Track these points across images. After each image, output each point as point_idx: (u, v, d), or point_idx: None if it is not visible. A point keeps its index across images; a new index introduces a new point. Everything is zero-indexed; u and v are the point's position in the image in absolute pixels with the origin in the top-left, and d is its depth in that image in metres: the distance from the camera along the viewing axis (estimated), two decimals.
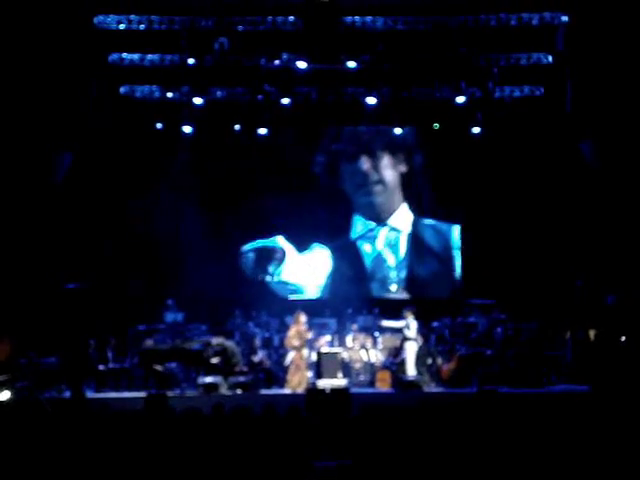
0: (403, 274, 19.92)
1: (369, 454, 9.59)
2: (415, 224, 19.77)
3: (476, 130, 21.61)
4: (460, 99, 21.12)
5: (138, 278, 21.60)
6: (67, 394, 17.12)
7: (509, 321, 19.80)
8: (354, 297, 19.93)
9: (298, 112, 21.66)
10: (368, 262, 20.02)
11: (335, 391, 14.70)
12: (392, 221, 19.88)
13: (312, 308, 20.35)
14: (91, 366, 18.45)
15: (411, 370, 18.10)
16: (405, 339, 18.43)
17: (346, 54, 20.51)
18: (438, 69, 20.75)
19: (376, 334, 19.31)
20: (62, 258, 20.33)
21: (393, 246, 20.03)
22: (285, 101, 21.43)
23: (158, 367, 18.12)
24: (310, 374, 18.20)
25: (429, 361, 18.70)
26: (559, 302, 20.26)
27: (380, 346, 19.04)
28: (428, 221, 19.95)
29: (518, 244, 21.55)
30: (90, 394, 17.50)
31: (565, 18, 19.55)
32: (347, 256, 20.08)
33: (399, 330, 18.63)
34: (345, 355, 18.70)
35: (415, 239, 19.64)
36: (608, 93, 19.50)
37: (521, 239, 21.55)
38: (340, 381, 17.91)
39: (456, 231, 20.32)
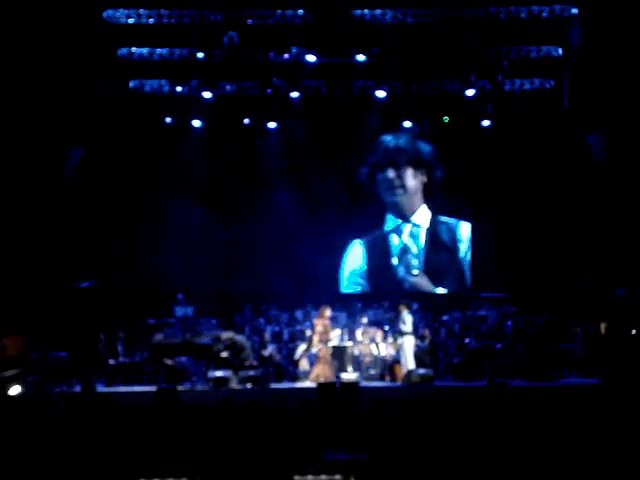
0: (422, 260, 22.43)
1: (379, 447, 9.60)
2: (432, 221, 22.46)
3: (486, 123, 21.59)
4: (470, 92, 21.10)
5: (149, 272, 21.62)
6: (78, 388, 17.16)
7: (519, 314, 19.78)
8: (384, 279, 22.45)
9: (308, 106, 21.73)
10: (396, 251, 22.54)
11: (345, 385, 14.71)
12: (414, 218, 22.45)
13: (321, 301, 20.41)
14: (102, 360, 18.47)
15: (410, 364, 18.11)
16: (401, 333, 18.46)
17: (355, 47, 20.51)
18: (448, 62, 20.73)
19: (386, 328, 19.30)
20: (72, 252, 20.36)
21: (415, 238, 22.47)
22: (294, 95, 21.45)
23: (168, 361, 18.15)
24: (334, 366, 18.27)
25: (440, 355, 18.74)
26: (569, 295, 20.22)
27: (390, 340, 19.01)
28: (442, 218, 22.49)
29: (528, 237, 21.53)
30: (101, 388, 17.54)
31: (575, 10, 19.50)
32: (379, 246, 22.65)
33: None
34: (355, 349, 18.70)
35: (431, 233, 22.43)
36: (618, 87, 19.46)
37: (531, 232, 21.52)
38: (351, 375, 17.96)
39: (462, 226, 22.47)
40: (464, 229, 22.42)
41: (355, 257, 22.71)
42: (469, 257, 22.40)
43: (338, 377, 17.88)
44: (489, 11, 19.55)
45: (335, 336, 19.05)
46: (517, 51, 20.42)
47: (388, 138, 22.50)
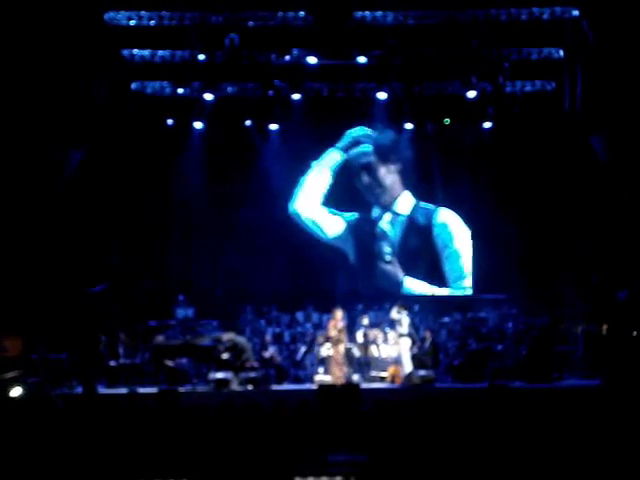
0: (397, 246, 22.36)
1: (380, 448, 9.61)
2: (413, 208, 22.43)
3: (487, 125, 21.63)
4: (471, 94, 21.12)
5: (149, 274, 21.65)
6: (79, 390, 17.17)
7: (520, 316, 19.81)
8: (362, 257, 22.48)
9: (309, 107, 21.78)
10: (375, 238, 22.45)
11: (346, 386, 14.72)
12: (396, 207, 22.43)
13: (322, 302, 20.51)
14: (102, 362, 18.48)
15: (407, 366, 18.12)
16: (398, 335, 18.50)
17: (356, 49, 20.53)
18: (449, 64, 20.74)
19: (387, 329, 19.30)
20: (73, 253, 20.39)
21: (394, 225, 22.39)
22: (296, 97, 21.49)
23: (169, 363, 18.17)
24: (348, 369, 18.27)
25: (440, 356, 18.77)
26: (570, 297, 20.23)
27: (391, 342, 19.02)
28: (422, 204, 22.42)
29: (529, 239, 21.55)
30: (101, 390, 17.55)
31: (576, 12, 19.51)
32: (362, 229, 22.64)
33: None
34: (355, 350, 18.71)
35: (410, 219, 22.41)
36: (619, 88, 19.46)
37: (532, 234, 21.55)
38: (352, 376, 17.99)
39: (440, 212, 22.31)
40: (443, 215, 22.28)
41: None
42: (448, 244, 22.22)
43: (348, 378, 17.91)
44: (490, 13, 19.54)
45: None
46: (518, 53, 20.44)
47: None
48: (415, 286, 21.91)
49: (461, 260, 22.08)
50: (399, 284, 21.92)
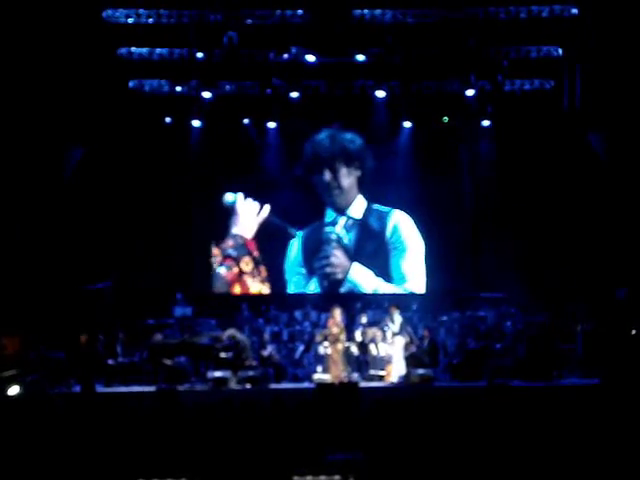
0: (353, 249, 22.74)
1: (378, 447, 9.59)
2: (366, 210, 22.85)
3: (486, 123, 21.61)
4: (470, 92, 21.10)
5: (148, 272, 21.63)
6: (77, 389, 17.14)
7: (519, 314, 19.79)
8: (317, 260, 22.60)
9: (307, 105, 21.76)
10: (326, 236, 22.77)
11: (345, 385, 14.70)
12: (350, 211, 22.80)
13: (320, 302, 20.47)
14: (100, 361, 18.44)
15: (399, 365, 18.08)
16: (392, 334, 18.48)
17: (355, 47, 20.51)
18: (448, 62, 20.73)
19: (385, 328, 19.25)
20: (72, 252, 20.39)
21: (348, 230, 22.75)
22: (294, 95, 21.47)
23: (167, 361, 18.14)
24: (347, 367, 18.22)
25: (439, 355, 18.74)
26: (569, 295, 20.21)
27: (389, 340, 18.97)
28: (375, 206, 22.87)
29: (528, 237, 21.52)
30: (99, 389, 17.51)
31: (575, 10, 19.49)
32: (315, 235, 22.84)
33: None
34: (354, 349, 18.68)
35: (363, 222, 22.83)
36: (618, 86, 19.48)
37: (531, 232, 21.52)
38: (351, 375, 17.95)
39: (393, 214, 22.73)
40: (396, 217, 22.63)
41: (294, 247, 22.87)
42: (399, 245, 22.56)
43: (347, 377, 17.88)
44: (489, 11, 19.54)
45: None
46: (517, 51, 20.44)
47: (319, 139, 22.73)
48: (361, 275, 22.38)
49: (409, 261, 22.55)
50: (347, 270, 22.38)
